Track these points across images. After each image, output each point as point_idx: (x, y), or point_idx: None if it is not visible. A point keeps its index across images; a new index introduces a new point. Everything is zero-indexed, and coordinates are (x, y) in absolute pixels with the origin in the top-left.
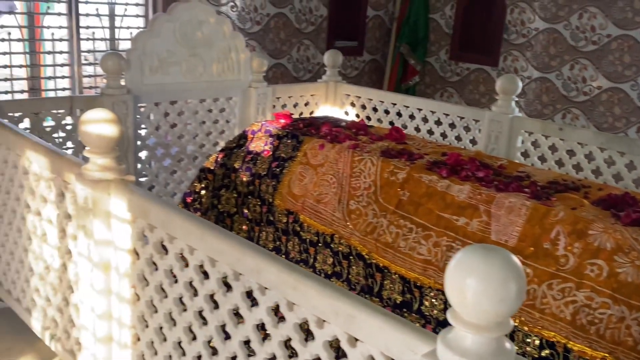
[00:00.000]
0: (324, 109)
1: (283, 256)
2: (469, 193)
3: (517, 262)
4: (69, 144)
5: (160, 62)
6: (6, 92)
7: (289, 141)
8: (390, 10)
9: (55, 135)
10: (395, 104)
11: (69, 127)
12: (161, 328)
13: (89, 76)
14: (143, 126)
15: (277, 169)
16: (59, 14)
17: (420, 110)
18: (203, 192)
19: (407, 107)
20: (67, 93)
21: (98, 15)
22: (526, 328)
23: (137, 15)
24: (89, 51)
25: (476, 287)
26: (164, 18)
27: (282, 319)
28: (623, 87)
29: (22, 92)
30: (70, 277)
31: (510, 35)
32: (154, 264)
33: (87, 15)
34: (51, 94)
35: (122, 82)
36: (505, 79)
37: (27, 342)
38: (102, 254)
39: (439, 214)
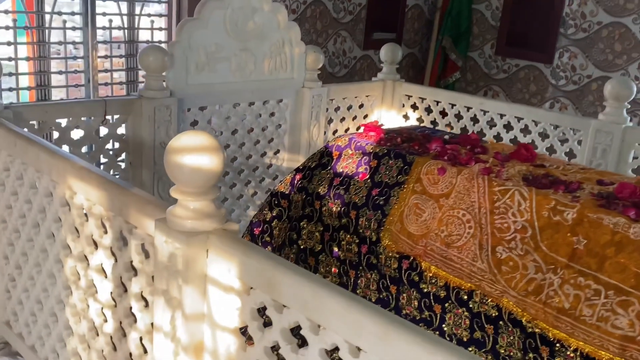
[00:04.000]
0: (380, 113)
1: (392, 311)
2: None
3: None
4: (102, 158)
5: (208, 58)
6: (10, 89)
7: (391, 162)
8: None
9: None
10: (470, 108)
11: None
12: None
13: (105, 71)
14: None
15: (381, 198)
16: None
17: (502, 116)
18: (275, 222)
19: (486, 111)
20: (82, 90)
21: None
22: None
23: (160, 1)
24: (105, 42)
25: None
26: (213, 4)
27: None
28: None
29: (28, 88)
30: (132, 349)
31: (567, 30)
32: (278, 356)
33: None
34: (61, 92)
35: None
36: (617, 82)
37: None
38: (194, 333)
39: (638, 272)
